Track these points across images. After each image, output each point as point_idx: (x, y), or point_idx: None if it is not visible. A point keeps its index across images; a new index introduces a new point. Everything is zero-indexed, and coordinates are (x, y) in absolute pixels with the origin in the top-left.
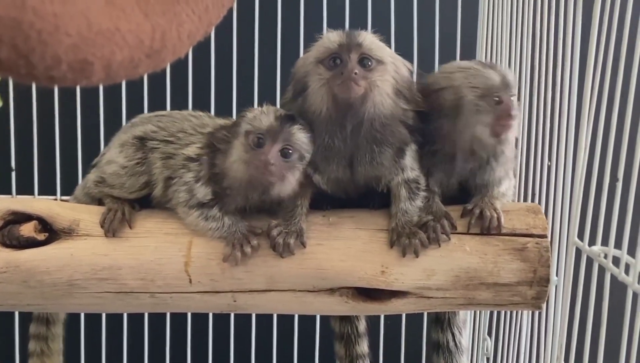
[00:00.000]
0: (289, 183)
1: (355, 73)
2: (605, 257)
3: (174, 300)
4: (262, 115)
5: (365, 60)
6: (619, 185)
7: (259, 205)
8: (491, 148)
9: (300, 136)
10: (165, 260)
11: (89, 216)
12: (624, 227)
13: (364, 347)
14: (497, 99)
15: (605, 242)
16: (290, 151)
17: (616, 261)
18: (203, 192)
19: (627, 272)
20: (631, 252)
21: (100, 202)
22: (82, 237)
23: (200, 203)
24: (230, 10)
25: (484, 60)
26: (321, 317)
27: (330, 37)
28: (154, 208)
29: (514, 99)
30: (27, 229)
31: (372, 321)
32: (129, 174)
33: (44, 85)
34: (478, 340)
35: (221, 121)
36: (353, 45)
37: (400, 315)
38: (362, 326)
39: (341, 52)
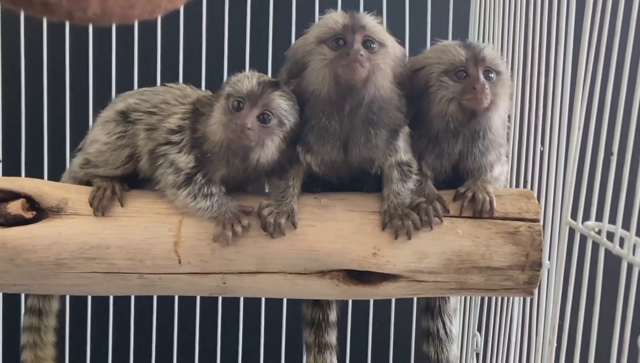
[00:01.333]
0: (267, 148)
1: (361, 55)
2: (599, 232)
3: (162, 281)
4: (244, 79)
5: (368, 43)
6: (614, 159)
7: (243, 177)
8: (465, 124)
9: (281, 102)
10: (155, 240)
11: (77, 195)
12: (617, 202)
13: (332, 337)
14: (464, 73)
15: (599, 220)
16: (268, 116)
17: (610, 238)
18: (185, 160)
19: (621, 247)
20: (626, 227)
21: (89, 185)
22: (71, 216)
23: (186, 178)
24: None
25: None
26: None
27: (334, 17)
28: (142, 182)
29: (497, 75)
30: (15, 207)
31: (361, 308)
32: (111, 149)
33: (39, 14)
34: (468, 336)
35: (203, 92)
36: (357, 27)
37: (390, 302)
38: (333, 315)
39: (345, 33)
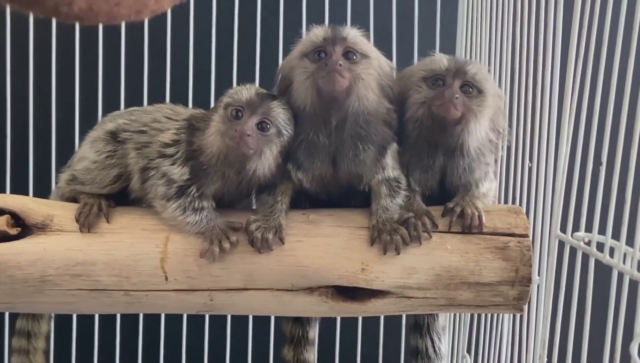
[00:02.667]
0: (265, 158)
1: (340, 65)
2: (589, 243)
3: (148, 298)
4: (243, 90)
5: (350, 54)
6: (603, 169)
7: (236, 193)
8: (438, 134)
9: (279, 111)
10: (141, 256)
11: (63, 212)
12: (607, 213)
13: (311, 355)
14: (441, 82)
15: (588, 231)
16: (267, 125)
17: (599, 249)
18: (180, 172)
19: (611, 257)
20: (615, 237)
21: (74, 202)
22: (56, 232)
23: (178, 190)
24: (210, 13)
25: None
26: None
27: (315, 32)
28: (132, 203)
29: (477, 92)
30: None
31: (349, 326)
32: (99, 168)
33: (25, 8)
34: (457, 356)
35: (194, 111)
36: (338, 39)
37: (378, 320)
38: (312, 333)
39: (326, 45)
